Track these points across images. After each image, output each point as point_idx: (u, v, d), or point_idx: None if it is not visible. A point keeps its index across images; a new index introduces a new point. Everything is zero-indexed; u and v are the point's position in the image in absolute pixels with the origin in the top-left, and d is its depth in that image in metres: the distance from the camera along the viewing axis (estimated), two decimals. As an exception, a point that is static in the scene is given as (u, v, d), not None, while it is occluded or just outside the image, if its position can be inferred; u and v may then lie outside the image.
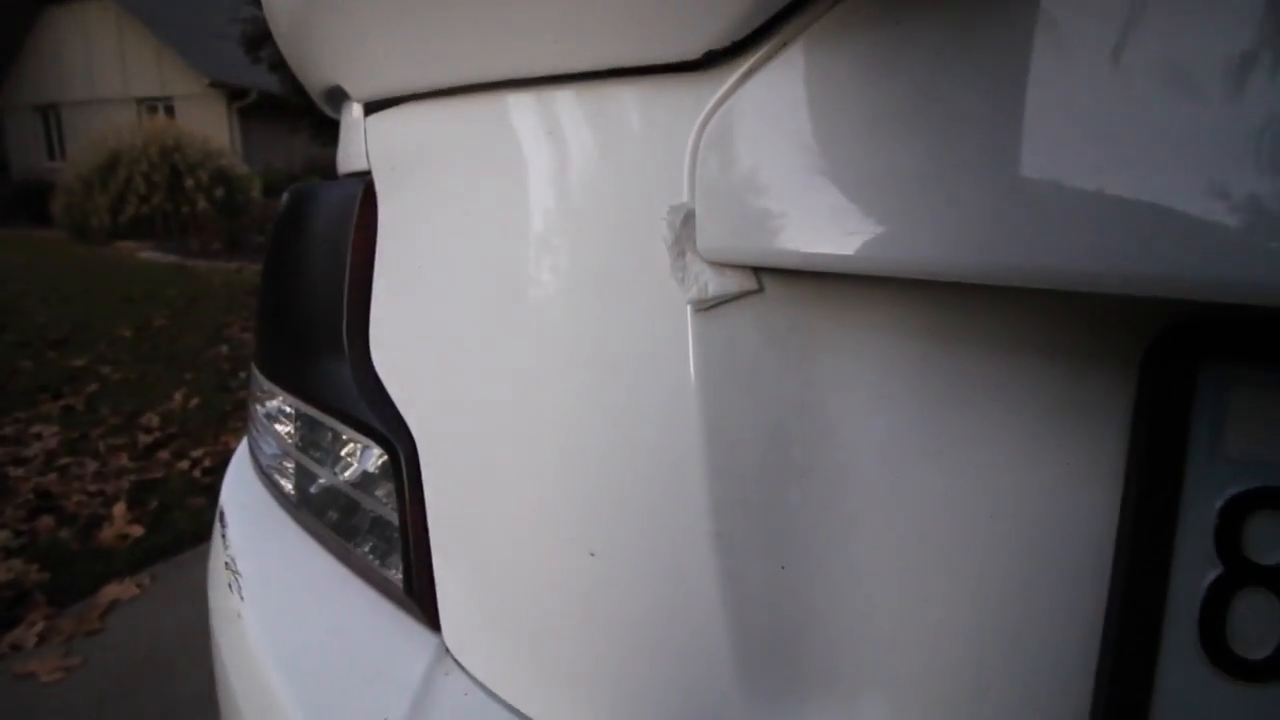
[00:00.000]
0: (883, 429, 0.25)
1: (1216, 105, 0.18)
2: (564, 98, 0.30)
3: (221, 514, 0.50)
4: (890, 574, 0.25)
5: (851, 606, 0.26)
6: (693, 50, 0.25)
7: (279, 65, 7.38)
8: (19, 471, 2.01)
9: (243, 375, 2.96)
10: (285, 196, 0.49)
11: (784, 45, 0.25)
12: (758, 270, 0.26)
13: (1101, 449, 0.23)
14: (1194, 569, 0.21)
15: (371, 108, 0.42)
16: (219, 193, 8.21)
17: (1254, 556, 0.20)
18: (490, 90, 0.32)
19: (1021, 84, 0.21)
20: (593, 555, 0.28)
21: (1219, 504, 0.21)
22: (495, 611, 0.32)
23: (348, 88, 0.41)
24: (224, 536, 0.47)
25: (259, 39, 7.31)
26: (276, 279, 0.49)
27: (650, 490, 0.27)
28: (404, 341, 0.39)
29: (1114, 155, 0.19)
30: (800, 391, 0.26)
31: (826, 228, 0.23)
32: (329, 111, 0.54)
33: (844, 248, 0.23)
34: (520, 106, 0.32)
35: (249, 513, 0.49)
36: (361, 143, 0.43)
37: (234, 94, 10.60)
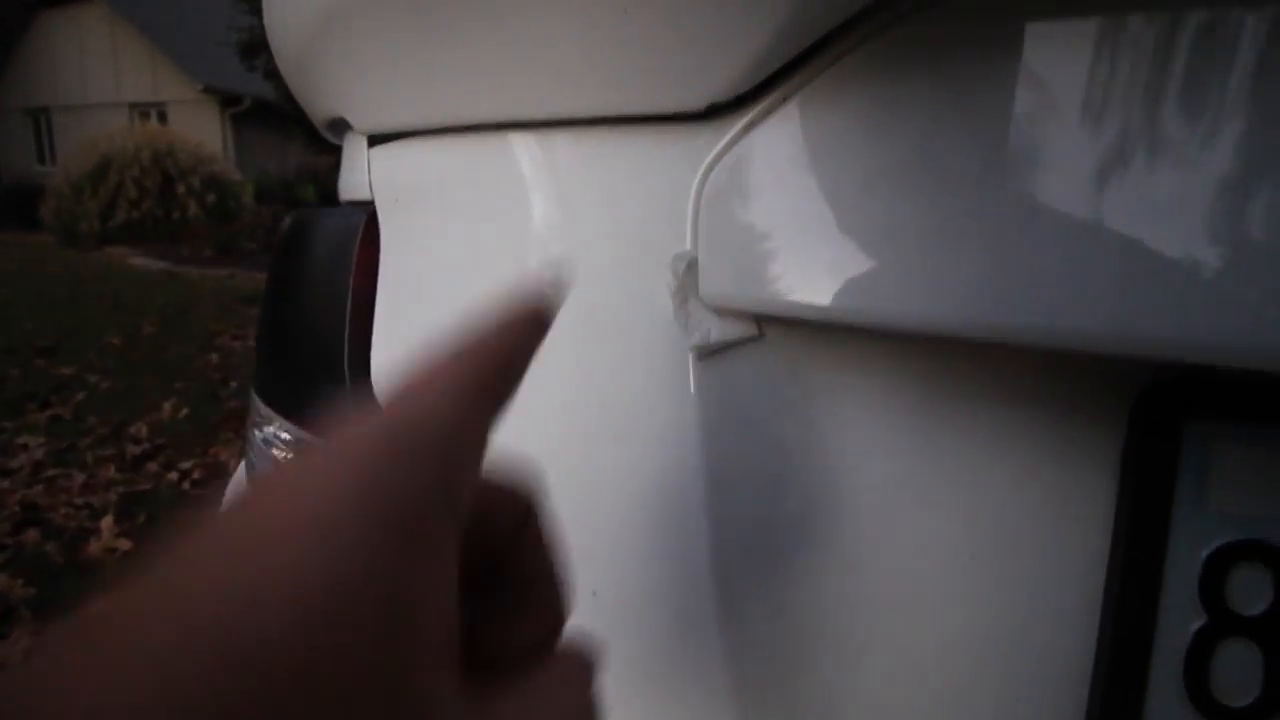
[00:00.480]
0: (877, 473, 0.26)
1: (1203, 170, 0.19)
2: (568, 141, 0.31)
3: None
4: (885, 614, 0.26)
5: (847, 647, 0.26)
6: (697, 102, 0.26)
7: (274, 73, 7.39)
8: (4, 483, 1.99)
9: (233, 385, 2.94)
10: (288, 222, 0.49)
11: (785, 99, 0.25)
12: (759, 317, 0.27)
13: (1091, 497, 0.23)
14: (1179, 618, 0.22)
15: (375, 139, 0.42)
16: (211, 199, 8.19)
17: (1236, 607, 0.21)
18: (496, 130, 0.33)
19: (1012, 147, 0.21)
20: (594, 595, 0.28)
21: (1204, 555, 0.21)
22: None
23: (352, 120, 0.42)
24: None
25: (255, 47, 7.33)
26: (278, 304, 0.49)
27: (652, 532, 0.28)
28: (405, 369, 0.39)
29: (1099, 219, 0.20)
30: (798, 436, 0.27)
31: (825, 280, 0.24)
32: (331, 138, 0.54)
33: (839, 300, 0.23)
34: (525, 147, 0.32)
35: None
36: (365, 173, 0.44)
37: (227, 100, 10.59)
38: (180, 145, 8.26)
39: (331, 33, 0.35)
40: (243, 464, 0.58)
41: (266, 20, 0.41)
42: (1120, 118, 0.20)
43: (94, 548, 1.68)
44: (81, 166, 7.93)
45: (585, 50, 0.27)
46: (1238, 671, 0.21)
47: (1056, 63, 0.21)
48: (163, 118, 11.04)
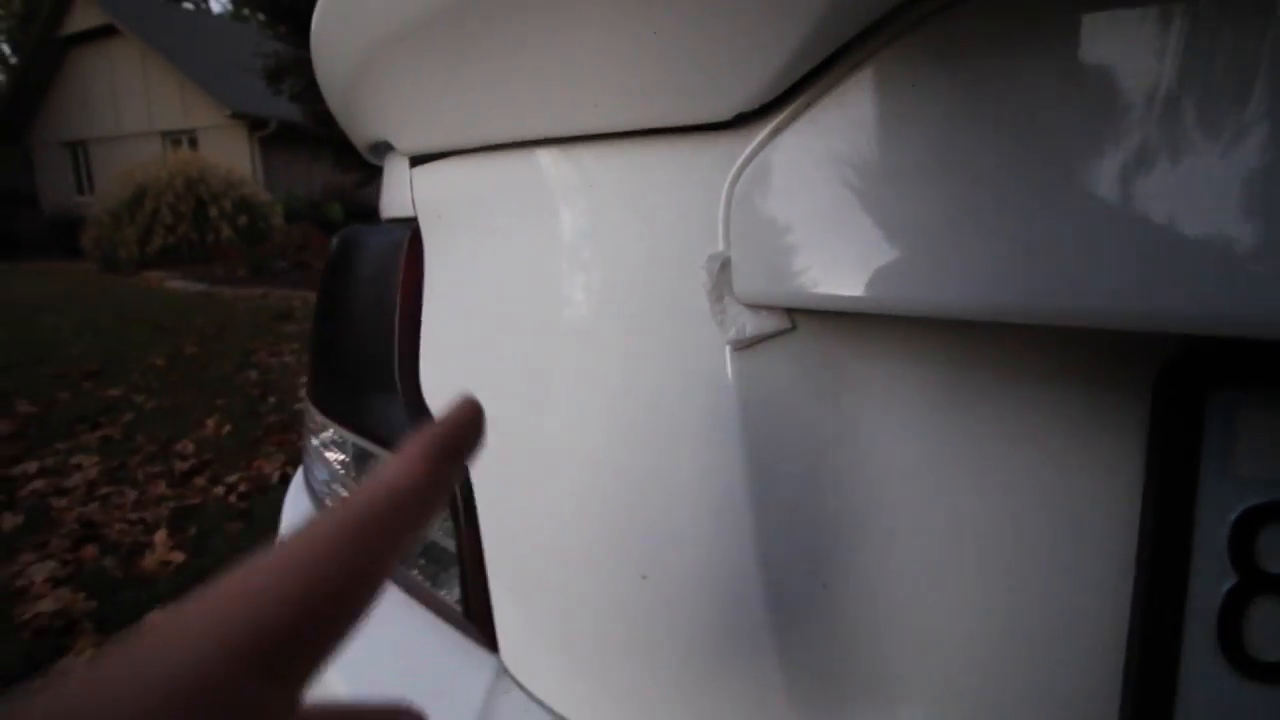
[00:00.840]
0: (911, 454, 0.27)
1: (1218, 150, 0.20)
2: (602, 154, 0.33)
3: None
4: (925, 589, 0.27)
5: (890, 620, 0.27)
6: (724, 112, 0.28)
7: (299, 96, 7.57)
8: (62, 502, 2.08)
9: (272, 400, 3.03)
10: (335, 241, 0.52)
11: (808, 105, 0.27)
12: (790, 310, 0.28)
13: (1120, 467, 0.24)
14: (1210, 579, 0.23)
15: (417, 160, 0.45)
16: (242, 221, 8.43)
17: (1266, 566, 0.22)
18: (533, 146, 0.35)
19: (1027, 140, 0.23)
20: (645, 578, 0.30)
21: (1232, 518, 0.22)
22: (551, 633, 0.35)
23: (395, 143, 0.44)
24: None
25: (280, 72, 7.52)
26: (329, 318, 0.52)
27: (698, 517, 0.29)
28: (454, 377, 0.42)
29: (1116, 203, 0.21)
30: (833, 421, 0.28)
31: (852, 272, 0.25)
32: (372, 160, 0.57)
33: (869, 290, 0.25)
34: (561, 161, 0.34)
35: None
36: (407, 191, 0.46)
37: (255, 124, 10.88)
38: (211, 170, 8.53)
39: (376, 61, 0.37)
40: (300, 470, 0.61)
41: (314, 53, 0.44)
42: (1133, 105, 0.21)
43: (149, 561, 1.75)
44: (118, 195, 8.23)
45: (617, 69, 0.29)
46: (1270, 628, 0.22)
47: (1066, 57, 0.22)
48: (194, 144, 11.40)
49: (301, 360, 3.71)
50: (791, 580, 0.28)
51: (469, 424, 0.23)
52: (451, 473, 0.22)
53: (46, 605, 1.56)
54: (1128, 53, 0.21)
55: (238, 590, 0.16)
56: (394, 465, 0.20)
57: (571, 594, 0.33)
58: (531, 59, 0.30)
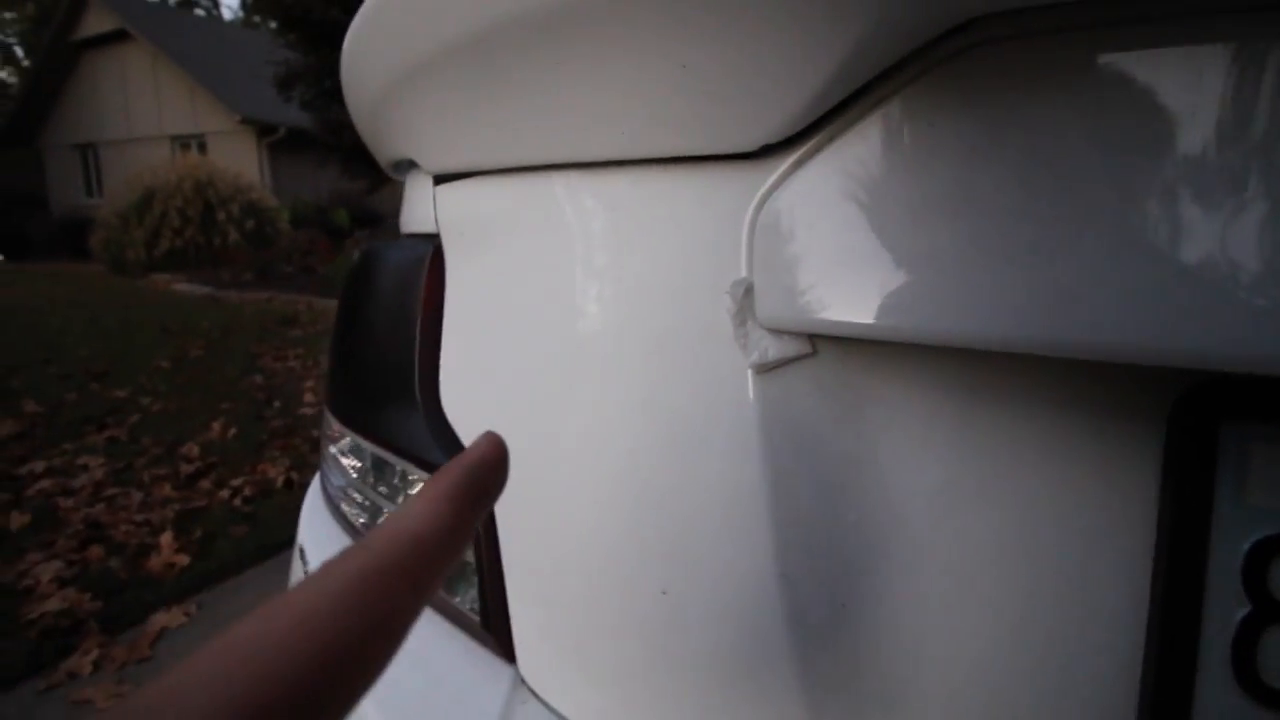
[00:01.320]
0: (928, 478, 0.28)
1: (1231, 187, 0.21)
2: (629, 180, 0.34)
3: (301, 551, 0.53)
4: (941, 611, 0.28)
5: (907, 641, 0.28)
6: (750, 143, 0.29)
7: (309, 103, 7.64)
8: (69, 502, 2.09)
9: (276, 404, 3.04)
10: (358, 254, 0.53)
11: (831, 139, 0.28)
12: (812, 336, 0.29)
13: (1135, 496, 0.25)
14: (1225, 608, 0.23)
15: (440, 178, 0.46)
16: (249, 225, 8.48)
17: (1279, 595, 0.23)
18: (559, 170, 0.36)
19: (1040, 177, 0.23)
20: (665, 594, 0.31)
21: (1245, 548, 0.23)
22: (569, 645, 0.35)
23: (421, 162, 0.45)
24: (306, 573, 0.50)
25: (290, 79, 7.59)
26: (349, 329, 0.53)
27: (719, 534, 0.30)
28: (475, 391, 0.42)
29: (1131, 239, 0.22)
30: (852, 444, 0.29)
31: (872, 300, 0.26)
32: (393, 175, 0.58)
33: (887, 319, 0.26)
34: (588, 186, 0.35)
35: (328, 549, 0.52)
36: (430, 208, 0.47)
37: (264, 130, 10.97)
38: (219, 175, 8.59)
39: (407, 85, 0.38)
40: (317, 476, 0.62)
41: (344, 73, 0.45)
42: (1144, 144, 0.22)
43: (154, 562, 1.76)
44: (127, 198, 8.29)
45: (647, 100, 0.30)
46: None
47: (1079, 97, 0.23)
48: (203, 148, 11.50)
49: (306, 364, 3.73)
50: (811, 599, 0.29)
51: (493, 463, 0.22)
52: (476, 516, 0.21)
53: (53, 605, 1.56)
54: (1140, 93, 0.22)
55: (244, 647, 0.15)
56: (416, 507, 0.19)
57: (590, 607, 0.34)
58: (565, 91, 0.31)
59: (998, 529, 0.27)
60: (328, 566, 0.17)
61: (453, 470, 0.21)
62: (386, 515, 0.16)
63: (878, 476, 0.29)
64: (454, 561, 0.20)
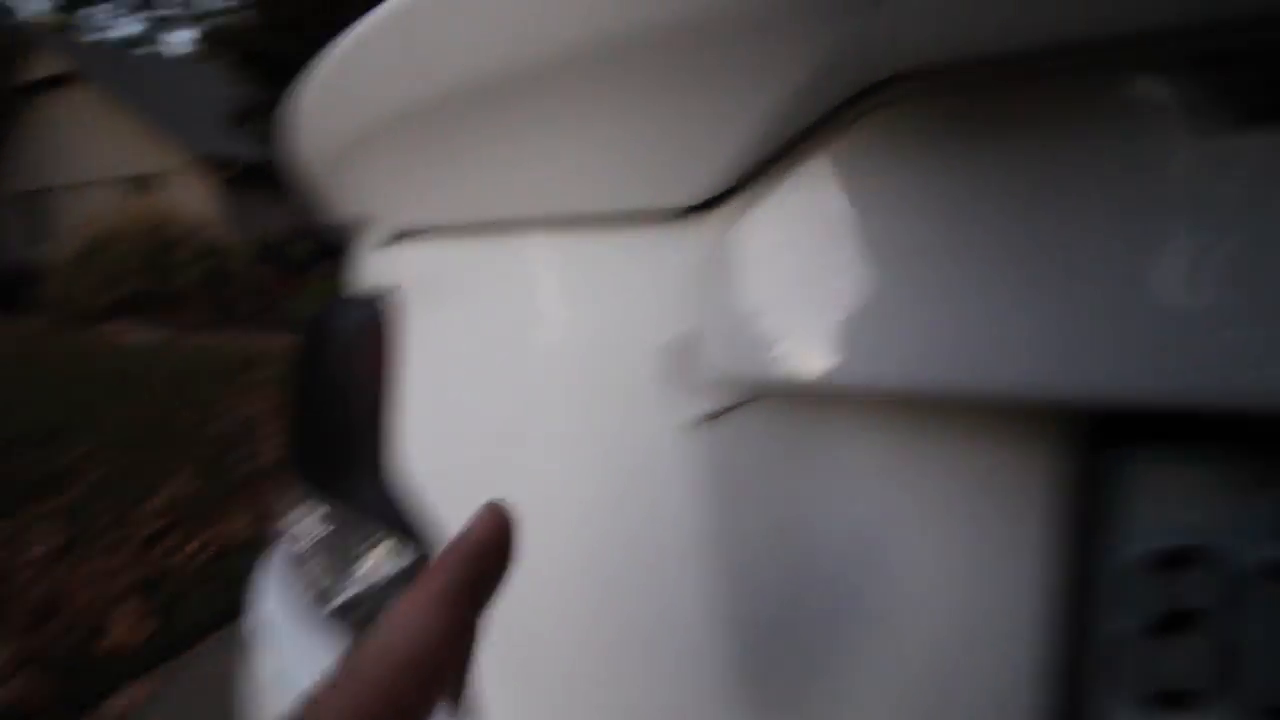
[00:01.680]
0: (862, 520, 0.29)
1: (1129, 236, 0.22)
2: (573, 236, 0.34)
3: (257, 625, 0.52)
4: (876, 646, 0.29)
5: (845, 673, 0.29)
6: (690, 198, 0.30)
7: (264, 137, 7.56)
8: (22, 576, 1.99)
9: (238, 453, 2.96)
10: (311, 316, 0.53)
11: (771, 188, 0.29)
12: (753, 387, 0.30)
13: (1039, 520, 0.27)
14: (1117, 620, 0.25)
15: (396, 236, 0.46)
16: (209, 263, 8.29)
17: (1169, 606, 0.25)
18: (506, 226, 0.37)
19: (972, 225, 0.25)
20: (606, 658, 0.31)
21: (1135, 562, 0.25)
22: (529, 705, 0.35)
23: (377, 220, 0.45)
24: (260, 649, 0.49)
25: (242, 115, 7.52)
26: (304, 391, 0.52)
27: (660, 588, 0.30)
28: (432, 450, 0.42)
29: (1034, 284, 0.23)
30: (798, 486, 0.30)
31: (810, 350, 0.27)
32: (342, 236, 0.58)
33: (825, 368, 0.26)
34: (537, 242, 0.36)
35: (284, 618, 0.51)
36: (385, 266, 0.47)
37: (219, 165, 10.79)
38: (172, 215, 8.41)
39: (359, 149, 0.39)
40: (277, 544, 0.60)
41: (294, 136, 0.45)
42: (1056, 194, 0.23)
43: (117, 633, 1.68)
44: (78, 245, 8.06)
45: (587, 157, 0.31)
46: (1176, 662, 0.25)
47: (1015, 140, 0.24)
48: (157, 188, 11.26)
49: (268, 409, 3.64)
50: (764, 648, 0.29)
51: (496, 545, 0.19)
52: (479, 613, 0.18)
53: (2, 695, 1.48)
54: (1054, 143, 0.23)
55: None
56: (408, 613, 0.16)
57: (545, 664, 0.34)
58: (504, 149, 0.32)
59: (925, 563, 0.28)
60: (314, 700, 0.15)
61: (448, 561, 0.18)
62: (378, 621, 0.14)
63: (815, 522, 0.29)
64: (460, 670, 0.17)
